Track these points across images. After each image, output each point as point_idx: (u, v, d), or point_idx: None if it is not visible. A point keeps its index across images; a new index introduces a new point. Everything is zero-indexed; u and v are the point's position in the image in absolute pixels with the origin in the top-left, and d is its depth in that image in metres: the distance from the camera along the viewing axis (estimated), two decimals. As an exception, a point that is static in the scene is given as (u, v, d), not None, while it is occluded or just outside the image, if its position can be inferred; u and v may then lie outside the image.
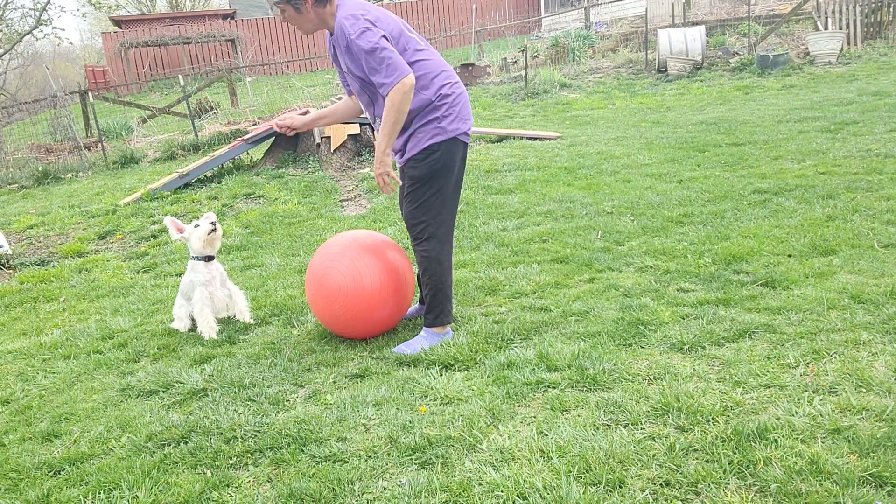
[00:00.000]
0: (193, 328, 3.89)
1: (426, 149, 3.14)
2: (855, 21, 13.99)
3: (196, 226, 3.83)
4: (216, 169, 8.65)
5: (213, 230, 3.80)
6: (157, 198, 7.70)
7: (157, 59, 24.57)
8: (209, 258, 3.89)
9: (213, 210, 6.99)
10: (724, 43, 15.12)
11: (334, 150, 8.24)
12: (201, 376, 3.17)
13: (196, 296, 3.80)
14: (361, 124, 8.33)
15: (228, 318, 4.00)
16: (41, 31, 25.41)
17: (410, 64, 3.03)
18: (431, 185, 3.18)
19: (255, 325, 3.88)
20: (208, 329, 3.77)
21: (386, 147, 3.09)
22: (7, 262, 6.04)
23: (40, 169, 10.45)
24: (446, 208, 3.24)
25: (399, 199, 3.61)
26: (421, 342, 3.30)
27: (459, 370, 2.97)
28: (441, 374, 2.92)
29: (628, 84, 13.93)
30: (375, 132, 3.31)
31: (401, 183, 3.32)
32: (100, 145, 11.42)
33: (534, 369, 2.83)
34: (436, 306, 3.31)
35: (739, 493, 1.95)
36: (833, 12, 14.18)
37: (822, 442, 2.13)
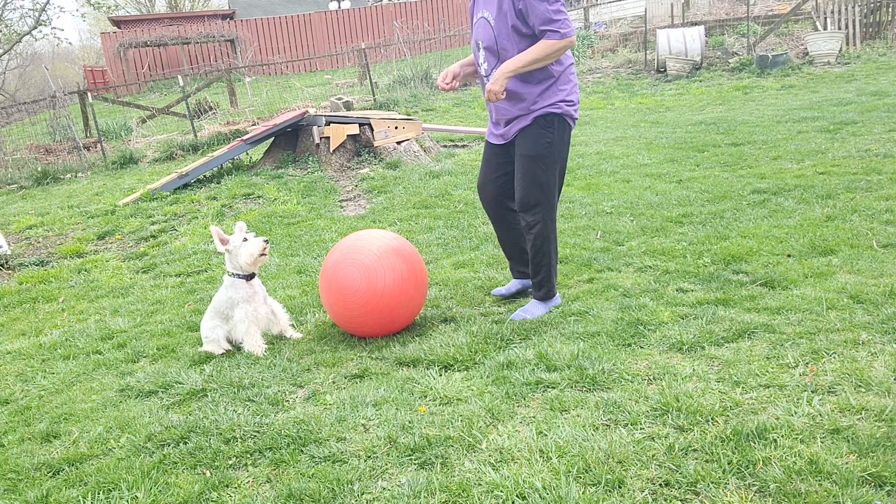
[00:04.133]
0: (229, 351, 3.56)
1: (545, 117, 3.25)
2: (854, 21, 14.00)
3: (244, 240, 3.48)
4: (215, 169, 8.65)
5: (264, 254, 3.50)
6: (157, 198, 7.70)
7: (156, 60, 24.58)
8: (251, 276, 3.57)
9: (212, 210, 7.01)
10: (723, 43, 15.13)
11: (333, 151, 8.23)
12: (200, 377, 3.17)
13: (239, 314, 3.49)
14: (360, 124, 8.32)
15: (270, 335, 3.67)
16: (40, 31, 25.51)
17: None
18: (548, 165, 3.30)
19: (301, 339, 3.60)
20: (258, 348, 3.47)
21: (512, 72, 3.14)
22: (6, 262, 6.03)
23: (39, 169, 10.45)
24: (556, 188, 3.40)
25: (484, 180, 3.62)
26: (537, 308, 3.51)
27: (459, 370, 2.97)
28: (440, 375, 2.93)
29: (627, 84, 13.93)
30: (484, 77, 3.35)
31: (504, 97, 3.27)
32: (99, 146, 11.42)
33: (533, 369, 2.83)
34: (545, 283, 3.52)
35: (739, 493, 1.95)
36: (832, 12, 14.19)
37: (822, 442, 2.13)
